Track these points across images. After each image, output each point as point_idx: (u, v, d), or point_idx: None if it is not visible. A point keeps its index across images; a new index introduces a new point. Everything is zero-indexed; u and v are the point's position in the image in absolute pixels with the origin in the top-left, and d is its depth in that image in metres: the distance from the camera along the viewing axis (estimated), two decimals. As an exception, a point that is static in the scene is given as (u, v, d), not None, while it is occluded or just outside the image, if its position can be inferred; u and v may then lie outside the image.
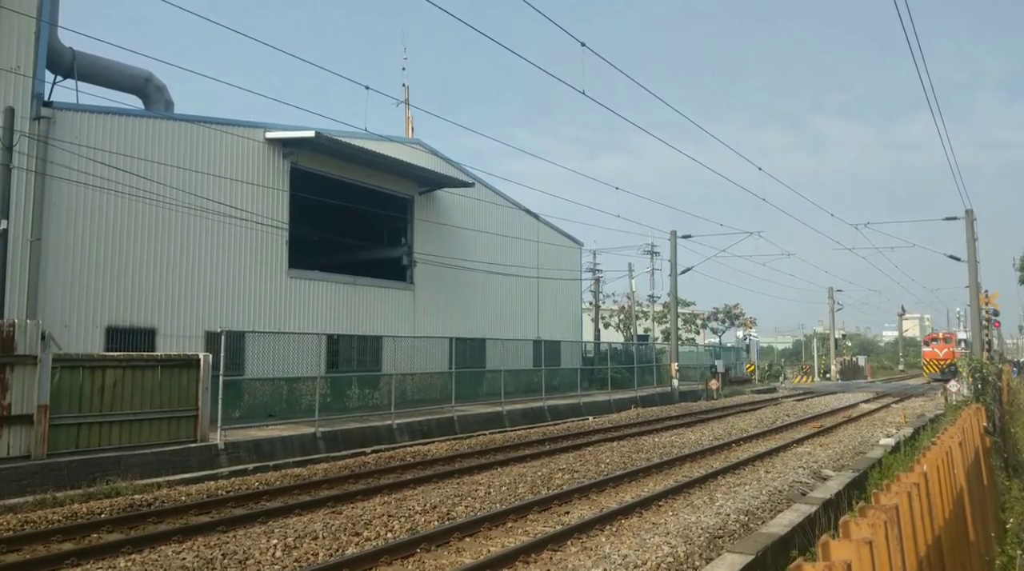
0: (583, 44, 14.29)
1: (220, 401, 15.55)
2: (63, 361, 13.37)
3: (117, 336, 18.72)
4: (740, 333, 61.52)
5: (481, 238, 31.68)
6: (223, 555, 8.58)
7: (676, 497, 12.01)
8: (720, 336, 63.99)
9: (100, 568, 8.34)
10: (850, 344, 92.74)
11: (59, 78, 20.71)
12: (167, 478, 13.19)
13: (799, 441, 19.23)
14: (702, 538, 9.15)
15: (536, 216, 35.74)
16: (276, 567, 8.31)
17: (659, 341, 50.22)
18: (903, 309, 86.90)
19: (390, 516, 10.55)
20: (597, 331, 50.21)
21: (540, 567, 8.34)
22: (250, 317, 22.06)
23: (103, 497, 11.74)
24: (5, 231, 16.44)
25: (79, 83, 20.85)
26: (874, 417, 26.46)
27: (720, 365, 44.41)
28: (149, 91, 23.08)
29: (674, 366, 36.67)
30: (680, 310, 46.83)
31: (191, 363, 15.33)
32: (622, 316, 59.48)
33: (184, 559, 8.51)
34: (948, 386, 26.89)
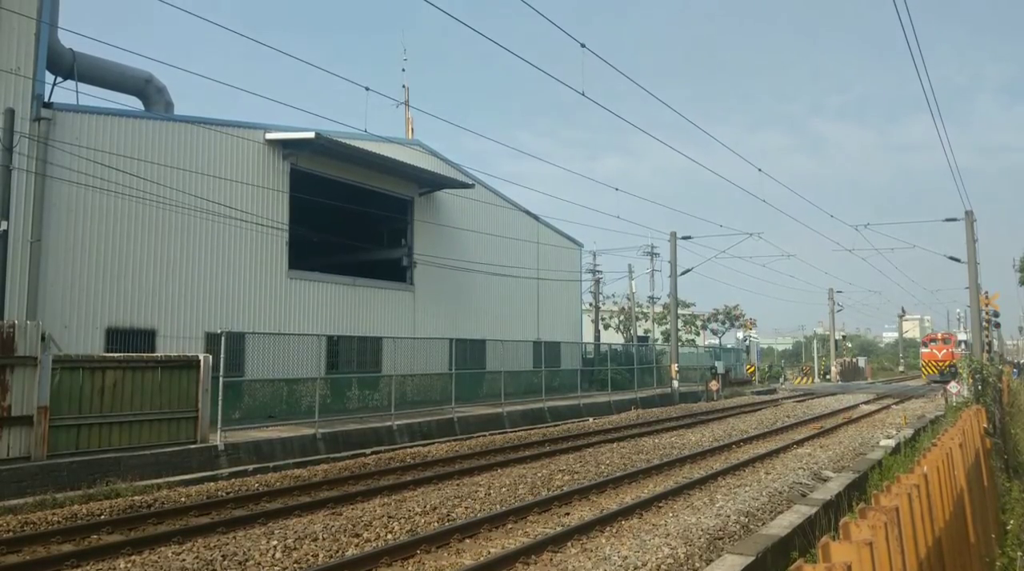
0: (583, 45, 14.30)
1: (220, 402, 15.55)
2: (63, 362, 13.37)
3: (117, 337, 18.72)
4: (740, 334, 61.53)
5: (481, 239, 31.68)
6: (223, 556, 8.58)
7: (676, 498, 12.01)
8: (720, 337, 63.98)
9: (100, 569, 8.34)
10: (850, 345, 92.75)
11: (59, 79, 20.71)
12: (167, 479, 13.19)
13: (799, 442, 19.22)
14: (702, 539, 9.15)
15: (536, 217, 35.75)
16: (276, 568, 8.30)
17: (659, 342, 50.21)
18: (903, 310, 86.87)
19: (390, 517, 10.54)
20: (597, 332, 50.19)
21: (540, 568, 8.34)
22: (250, 318, 22.06)
23: (103, 498, 11.74)
24: (5, 232, 16.44)
25: (79, 84, 20.86)
26: (874, 418, 26.45)
27: (720, 366, 44.41)
28: (149, 92, 23.08)
29: (674, 367, 36.66)
30: (680, 311, 46.83)
31: (191, 364, 15.33)
32: (622, 317, 59.48)
33: (184, 560, 8.51)
34: (948, 387, 26.88)
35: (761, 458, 16.29)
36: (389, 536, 9.62)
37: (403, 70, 42.45)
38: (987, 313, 37.32)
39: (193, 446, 14.80)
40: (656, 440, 19.91)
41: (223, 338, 15.89)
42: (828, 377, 64.63)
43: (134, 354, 15.89)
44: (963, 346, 54.18)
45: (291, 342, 21.06)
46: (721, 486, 13.10)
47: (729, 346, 55.54)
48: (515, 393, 27.51)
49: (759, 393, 42.77)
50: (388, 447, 17.82)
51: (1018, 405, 23.19)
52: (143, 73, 22.95)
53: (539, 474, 14.18)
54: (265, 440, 16.13)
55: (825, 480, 13.06)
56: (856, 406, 31.81)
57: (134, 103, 23.05)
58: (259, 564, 8.41)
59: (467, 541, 9.48)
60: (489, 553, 8.82)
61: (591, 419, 25.82)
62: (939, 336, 60.42)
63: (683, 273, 38.51)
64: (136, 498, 11.81)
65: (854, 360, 73.66)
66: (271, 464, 15.07)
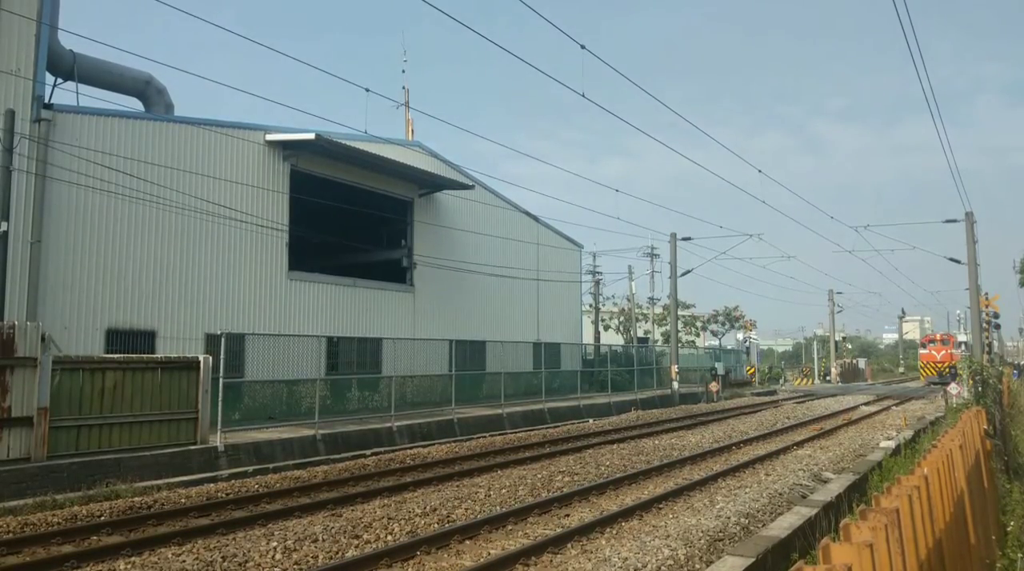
0: (583, 47, 14.32)
1: (220, 403, 15.55)
2: (63, 363, 13.37)
3: (117, 338, 18.72)
4: (740, 336, 61.51)
5: (481, 240, 31.69)
6: (223, 558, 8.58)
7: (676, 500, 12.00)
8: (720, 338, 63.94)
9: (100, 570, 8.34)
10: (850, 347, 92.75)
11: (59, 80, 20.72)
12: (167, 480, 13.18)
13: (799, 444, 19.22)
14: (702, 541, 9.14)
15: (536, 218, 35.76)
16: (276, 570, 8.30)
17: (659, 343, 50.21)
18: (903, 311, 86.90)
19: (390, 519, 10.54)
20: (597, 333, 50.18)
21: (540, 569, 8.34)
22: (250, 319, 22.07)
23: (103, 499, 11.73)
24: (5, 233, 16.44)
25: (79, 85, 20.89)
26: (874, 420, 26.45)
27: (720, 368, 44.43)
28: (149, 93, 23.10)
29: (674, 368, 36.65)
30: (680, 313, 46.81)
31: (191, 365, 15.33)
32: (622, 318, 59.47)
33: (184, 561, 8.51)
34: (948, 389, 26.87)
35: (761, 459, 16.29)
36: (389, 537, 9.62)
37: (403, 71, 42.24)
38: (987, 314, 37.34)
39: (193, 447, 14.80)
40: (656, 441, 19.90)
41: (223, 339, 15.89)
42: (828, 378, 64.64)
43: (134, 355, 15.89)
44: (963, 347, 53.95)
45: (291, 343, 21.06)
46: (721, 487, 13.10)
47: (729, 347, 55.54)
48: (515, 394, 27.51)
49: (759, 394, 42.77)
50: (388, 448, 17.82)
51: (1018, 407, 23.19)
52: (143, 74, 22.97)
53: (539, 475, 14.17)
54: (265, 441, 16.13)
55: (825, 482, 13.06)
56: (856, 407, 31.81)
57: (134, 104, 23.09)
58: (259, 565, 8.40)
59: (467, 542, 9.48)
60: (489, 554, 8.81)
61: (591, 420, 25.81)
62: (938, 337, 59.42)
63: (683, 274, 38.53)
64: (136, 499, 11.80)
65: (854, 361, 73.66)
66: (271, 465, 15.06)
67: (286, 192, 23.70)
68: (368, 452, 17.08)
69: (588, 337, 47.81)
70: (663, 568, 8.05)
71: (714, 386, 38.09)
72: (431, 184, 28.88)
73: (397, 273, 28.77)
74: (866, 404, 33.90)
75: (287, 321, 23.31)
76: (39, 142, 17.44)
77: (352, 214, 26.93)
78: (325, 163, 24.93)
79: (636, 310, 54.91)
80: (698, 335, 64.54)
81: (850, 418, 26.49)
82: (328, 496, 12.24)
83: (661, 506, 11.49)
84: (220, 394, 15.51)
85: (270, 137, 23.12)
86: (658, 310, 56.27)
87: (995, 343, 49.24)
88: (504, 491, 12.62)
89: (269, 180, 23.12)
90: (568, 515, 11.06)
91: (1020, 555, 7.37)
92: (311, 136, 22.82)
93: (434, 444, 18.83)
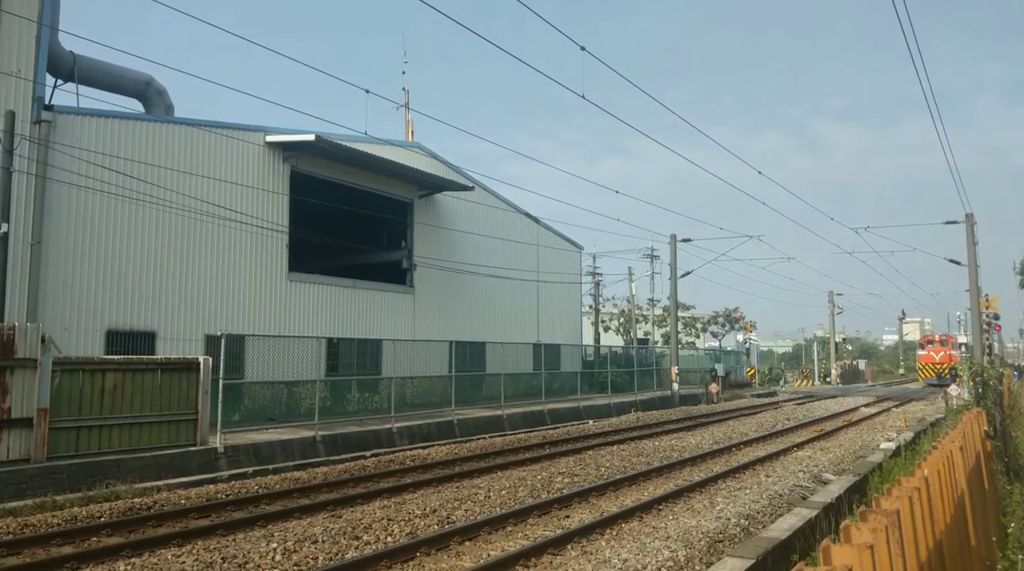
0: (583, 48, 14.32)
1: (220, 404, 15.54)
2: (63, 364, 13.37)
3: (117, 339, 18.72)
4: (740, 337, 61.49)
5: (481, 242, 31.69)
6: (223, 559, 8.57)
7: (676, 501, 11.99)
8: (720, 340, 63.94)
9: (99, 572, 8.33)
10: (850, 348, 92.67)
11: (60, 82, 20.73)
12: (167, 481, 13.18)
13: (799, 445, 19.21)
14: (702, 542, 9.14)
15: (536, 220, 35.76)
16: (276, 571, 8.30)
17: (659, 345, 50.21)
18: (903, 313, 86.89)
19: (390, 520, 10.54)
20: (597, 335, 50.18)
21: (540, 571, 8.33)
22: (250, 320, 22.07)
23: (103, 500, 11.73)
24: (6, 234, 16.45)
25: (80, 87, 20.90)
26: (874, 421, 26.45)
27: (720, 369, 44.45)
28: (149, 95, 23.11)
29: (674, 370, 36.64)
30: (680, 314, 46.81)
31: (191, 366, 15.32)
32: (622, 320, 59.47)
33: (184, 563, 8.50)
34: (949, 390, 26.86)
35: (761, 461, 16.28)
36: (389, 538, 9.62)
37: (403, 73, 42.28)
38: (987, 316, 37.33)
39: (193, 448, 14.79)
40: (656, 443, 19.90)
41: (223, 340, 15.89)
42: (828, 380, 64.62)
43: (134, 356, 15.89)
44: (963, 349, 53.74)
45: (291, 344, 21.06)
46: (721, 489, 13.09)
47: (729, 349, 55.54)
48: (515, 395, 27.50)
49: (759, 396, 42.75)
50: (388, 449, 17.81)
51: (1019, 408, 23.17)
52: (143, 75, 22.98)
53: (539, 477, 14.17)
54: (265, 442, 16.12)
55: (825, 483, 13.05)
56: (856, 409, 31.79)
57: (134, 106, 23.10)
58: (259, 566, 8.40)
59: (467, 543, 9.47)
60: (489, 555, 8.81)
61: (591, 422, 25.80)
62: (936, 338, 58.54)
63: (683, 275, 38.54)
64: (136, 500, 11.80)
65: (854, 363, 73.62)
66: (271, 466, 15.06)
67: (286, 193, 23.70)
68: (368, 453, 17.07)
69: (588, 338, 47.81)
70: (663, 569, 8.05)
71: (714, 387, 38.08)
72: (431, 185, 28.89)
73: (397, 274, 28.77)
74: (866, 405, 33.88)
75: (287, 322, 23.31)
76: (39, 143, 17.45)
77: (352, 215, 26.94)
78: (325, 164, 24.94)
79: (636, 311, 54.92)
80: (698, 336, 64.56)
81: (850, 419, 26.48)
82: (328, 497, 12.24)
83: (661, 507, 11.49)
84: (220, 395, 15.50)
85: (270, 138, 23.13)
86: (658, 311, 56.28)
87: (995, 344, 49.18)
88: (504, 492, 12.61)
89: (269, 181, 23.12)
90: (568, 516, 11.05)
91: (1021, 557, 7.37)
92: (311, 137, 22.83)
93: (434, 445, 18.82)
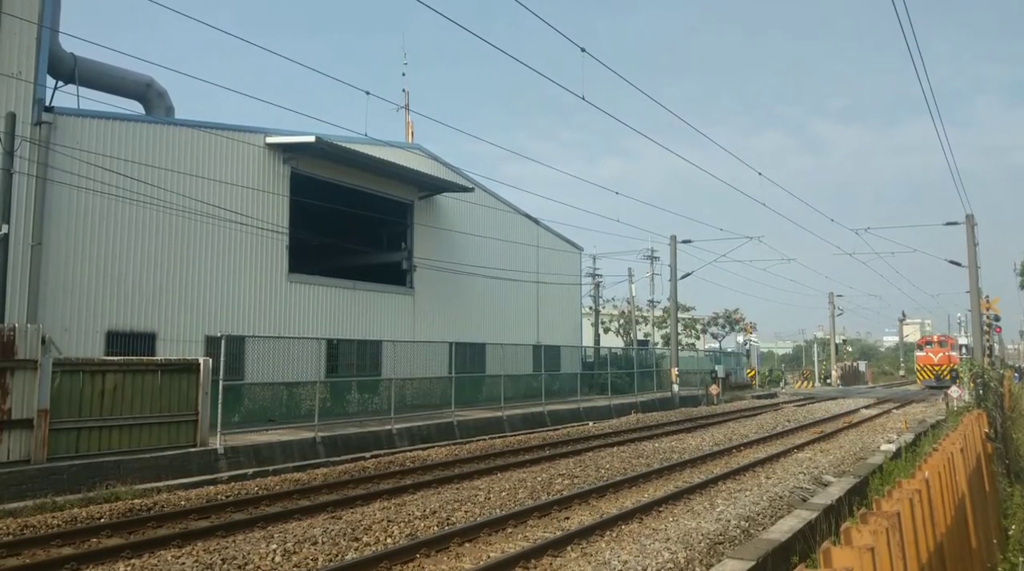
0: (583, 50, 14.33)
1: (220, 405, 15.54)
2: (63, 365, 13.36)
3: (117, 340, 18.72)
4: (740, 338, 61.49)
5: (481, 243, 31.70)
6: (222, 560, 8.57)
7: (676, 503, 11.98)
8: (720, 341, 63.93)
9: (99, 573, 8.33)
10: (851, 349, 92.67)
11: (60, 83, 20.76)
12: (167, 482, 13.18)
13: (800, 447, 19.20)
14: (702, 544, 9.13)
15: (536, 221, 35.77)
16: (276, 572, 8.29)
17: (659, 346, 50.19)
18: (904, 314, 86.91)
19: (390, 521, 10.53)
20: (597, 336, 50.19)
21: (540, 573, 8.32)
22: (250, 321, 22.07)
23: (103, 501, 11.73)
24: (6, 236, 16.45)
25: (80, 88, 20.91)
26: (875, 423, 26.43)
27: (720, 370, 44.42)
28: (150, 96, 23.13)
29: (674, 371, 36.63)
30: (680, 315, 46.81)
31: (191, 367, 15.32)
32: (622, 321, 59.47)
33: (183, 564, 8.50)
34: (949, 392, 26.85)
35: (762, 462, 16.27)
36: (389, 540, 9.61)
37: (403, 74, 42.27)
38: (988, 317, 37.33)
39: (193, 449, 14.79)
40: (656, 444, 19.89)
41: (223, 341, 15.88)
42: (829, 381, 64.61)
43: (134, 357, 15.90)
44: (963, 350, 53.53)
45: (291, 345, 21.05)
46: (721, 490, 13.09)
47: (729, 350, 55.51)
48: (515, 397, 27.48)
49: (759, 397, 42.73)
50: (388, 451, 17.81)
51: (1019, 409, 23.15)
52: (144, 77, 23.00)
53: (539, 478, 14.16)
54: (265, 443, 16.12)
55: (826, 485, 13.05)
56: (857, 410, 31.78)
57: (135, 107, 23.11)
58: (259, 568, 8.40)
59: (467, 545, 9.47)
60: (489, 557, 8.81)
61: (591, 423, 25.79)
62: (935, 339, 57.62)
63: (683, 277, 38.55)
64: (136, 501, 11.79)
65: (855, 364, 73.56)
66: (271, 468, 15.06)
67: (286, 195, 23.71)
68: (368, 454, 17.07)
69: (588, 340, 47.82)
70: (663, 571, 8.03)
71: (714, 389, 38.06)
72: (431, 186, 28.90)
73: (397, 275, 28.77)
74: (866, 407, 33.87)
75: (287, 323, 23.31)
76: (40, 145, 17.46)
77: (352, 216, 26.95)
78: (325, 166, 24.94)
79: (636, 312, 54.91)
80: (698, 338, 64.54)
81: (850, 421, 26.47)
82: (328, 498, 12.23)
83: (661, 509, 11.48)
84: (220, 396, 15.50)
85: (270, 140, 23.15)
86: (658, 313, 56.29)
87: (996, 346, 49.17)
88: (504, 494, 12.61)
89: (269, 183, 23.13)
90: (568, 518, 11.05)
91: (1022, 559, 7.36)
92: (311, 139, 22.84)
93: (434, 446, 18.81)
